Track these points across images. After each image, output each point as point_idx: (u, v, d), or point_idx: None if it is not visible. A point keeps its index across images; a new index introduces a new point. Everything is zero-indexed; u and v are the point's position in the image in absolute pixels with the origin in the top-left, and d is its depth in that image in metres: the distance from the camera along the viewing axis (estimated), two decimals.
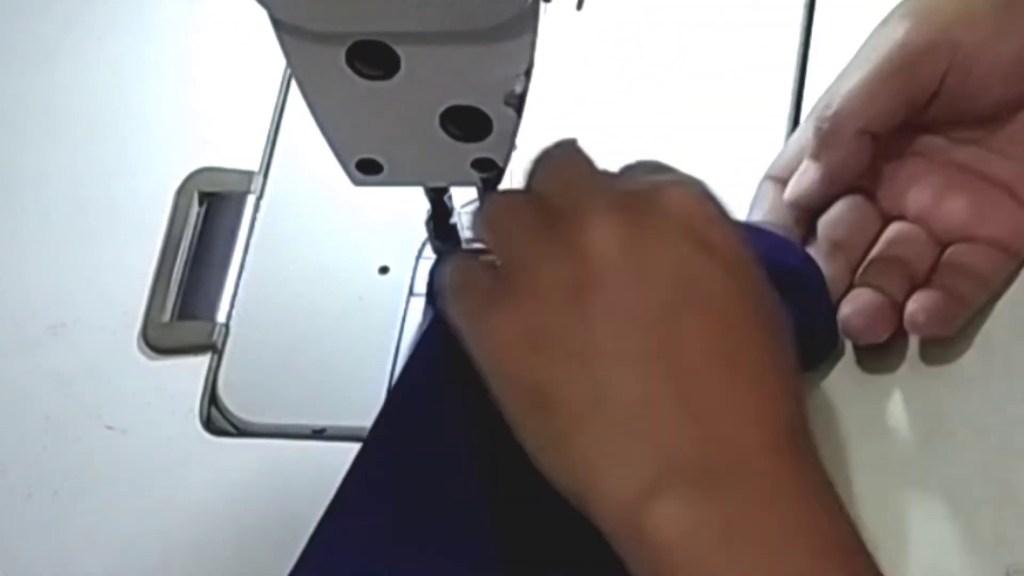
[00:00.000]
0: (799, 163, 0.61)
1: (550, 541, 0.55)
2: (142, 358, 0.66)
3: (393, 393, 0.59)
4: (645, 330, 0.47)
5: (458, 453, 0.56)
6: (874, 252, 0.60)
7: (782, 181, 0.62)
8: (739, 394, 0.47)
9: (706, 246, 0.48)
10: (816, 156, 0.60)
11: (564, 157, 0.52)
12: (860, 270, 0.60)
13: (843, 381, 0.59)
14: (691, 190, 0.50)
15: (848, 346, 0.60)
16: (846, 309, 0.59)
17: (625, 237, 0.48)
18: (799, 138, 0.62)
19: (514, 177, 0.57)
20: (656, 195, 0.49)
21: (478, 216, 0.54)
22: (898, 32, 0.59)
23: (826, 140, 0.60)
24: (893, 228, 0.61)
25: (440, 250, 0.64)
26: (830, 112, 0.60)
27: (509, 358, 0.49)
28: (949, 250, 0.60)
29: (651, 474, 0.46)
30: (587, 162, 0.52)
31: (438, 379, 0.57)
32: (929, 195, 0.61)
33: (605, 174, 0.52)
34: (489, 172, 0.55)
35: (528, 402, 0.49)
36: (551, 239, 0.49)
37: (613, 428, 0.47)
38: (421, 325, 0.64)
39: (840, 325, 0.59)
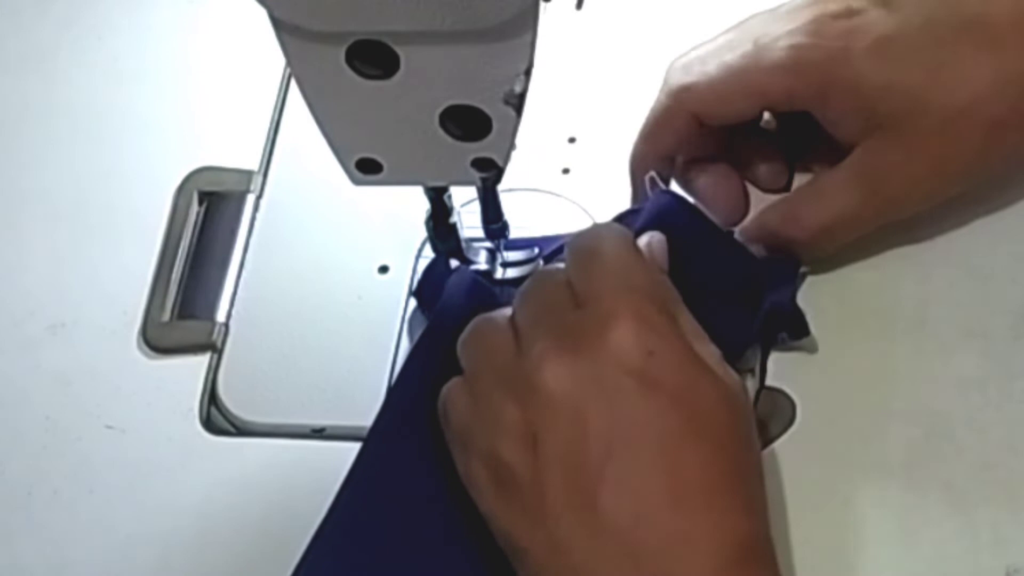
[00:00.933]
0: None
1: None
2: (142, 357, 0.66)
3: (386, 407, 0.60)
4: (590, 477, 0.49)
5: (446, 477, 0.57)
6: None
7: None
8: (684, 528, 0.49)
9: (650, 383, 0.50)
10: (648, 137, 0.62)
11: (540, 279, 0.55)
12: None
13: (843, 381, 0.59)
14: (635, 322, 0.51)
15: (849, 346, 0.60)
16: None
17: (571, 378, 0.51)
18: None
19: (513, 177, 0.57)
20: (603, 333, 0.51)
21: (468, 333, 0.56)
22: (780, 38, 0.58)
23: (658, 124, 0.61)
24: None
25: (439, 250, 0.64)
26: (680, 86, 0.59)
27: (487, 503, 0.53)
28: None
29: None
30: (559, 283, 0.54)
31: (431, 396, 0.58)
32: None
33: (567, 295, 0.54)
34: (489, 171, 0.55)
35: (505, 544, 0.53)
36: (514, 375, 0.52)
37: (570, 574, 0.50)
38: (410, 323, 0.64)
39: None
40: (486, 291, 0.62)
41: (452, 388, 0.55)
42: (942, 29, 0.56)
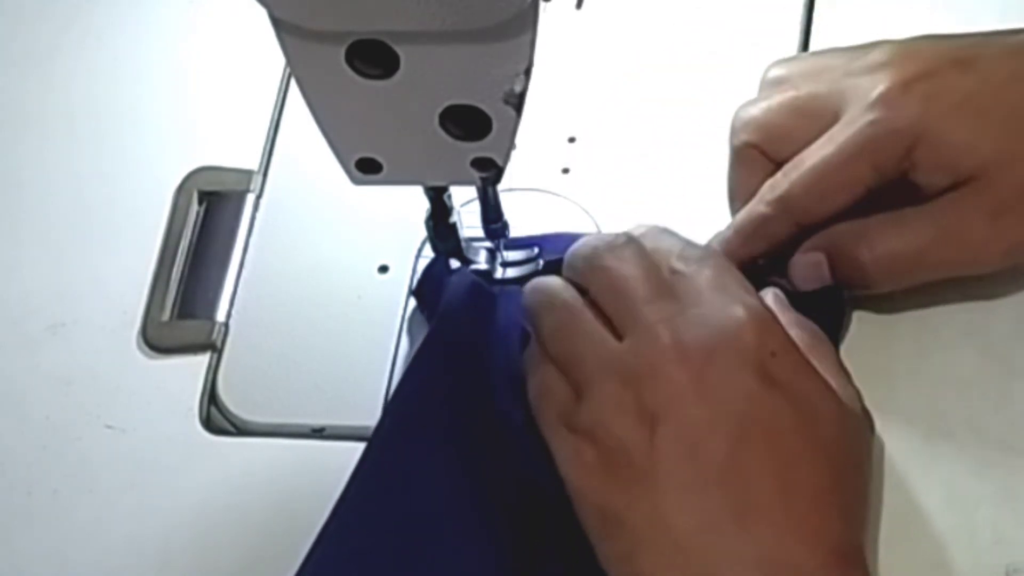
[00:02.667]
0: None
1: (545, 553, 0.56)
2: (142, 357, 0.66)
3: (391, 411, 0.59)
4: (708, 461, 0.51)
5: (451, 479, 0.57)
6: None
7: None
8: (795, 521, 0.51)
9: (771, 381, 0.52)
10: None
11: (617, 265, 0.56)
12: None
13: None
14: (757, 323, 0.53)
15: (849, 346, 0.60)
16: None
17: (695, 372, 0.52)
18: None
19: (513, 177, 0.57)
20: (725, 329, 0.53)
21: (539, 321, 0.57)
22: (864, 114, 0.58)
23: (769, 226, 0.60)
24: None
25: (440, 250, 0.64)
26: (778, 197, 0.59)
27: (585, 479, 0.53)
28: None
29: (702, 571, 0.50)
30: (642, 270, 0.56)
31: (435, 399, 0.58)
32: None
33: (660, 285, 0.55)
34: (489, 171, 0.55)
35: (598, 520, 0.53)
36: (626, 361, 0.53)
37: (673, 550, 0.51)
38: (410, 323, 0.64)
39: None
40: (487, 293, 0.62)
41: (546, 376, 0.56)
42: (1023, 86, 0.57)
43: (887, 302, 0.61)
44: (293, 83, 0.54)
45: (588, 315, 0.56)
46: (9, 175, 0.72)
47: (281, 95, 0.71)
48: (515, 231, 0.64)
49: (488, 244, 0.64)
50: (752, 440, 0.52)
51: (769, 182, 0.60)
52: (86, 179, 0.71)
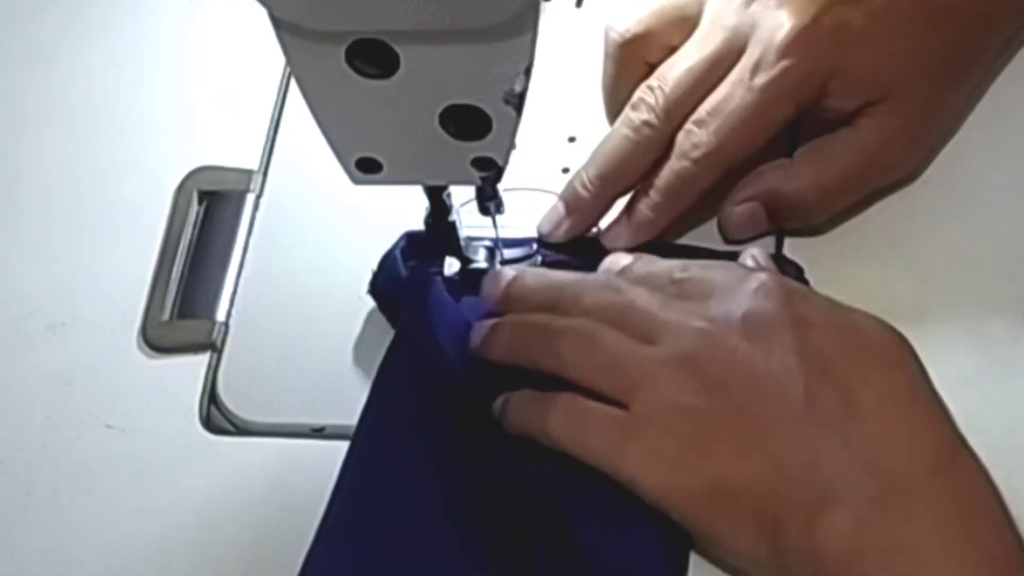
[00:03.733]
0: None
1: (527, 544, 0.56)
2: (142, 357, 0.66)
3: (368, 418, 0.60)
4: (792, 405, 0.53)
5: (433, 474, 0.57)
6: None
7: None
8: (893, 428, 0.53)
9: (810, 324, 0.54)
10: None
11: (619, 296, 0.58)
12: None
13: None
14: (773, 283, 0.56)
15: None
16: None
17: (742, 344, 0.54)
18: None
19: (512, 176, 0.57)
20: (748, 299, 0.55)
21: (550, 352, 0.58)
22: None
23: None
24: None
25: (439, 248, 0.64)
26: (706, 152, 0.61)
27: (677, 473, 0.54)
28: None
29: (821, 493, 0.51)
30: (647, 290, 0.58)
31: (410, 401, 0.59)
32: None
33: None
34: (489, 171, 0.55)
35: (709, 502, 0.54)
36: (672, 356, 0.55)
37: (792, 487, 0.52)
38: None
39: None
40: (446, 298, 0.62)
41: (575, 405, 0.56)
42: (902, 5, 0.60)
43: (887, 302, 0.61)
44: (293, 83, 0.54)
45: (607, 329, 0.57)
46: (9, 175, 0.72)
47: (281, 95, 0.71)
48: (515, 231, 0.64)
49: (487, 242, 0.64)
50: (821, 373, 0.53)
51: (682, 135, 0.61)
52: (86, 179, 0.71)
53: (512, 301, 0.60)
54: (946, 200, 0.63)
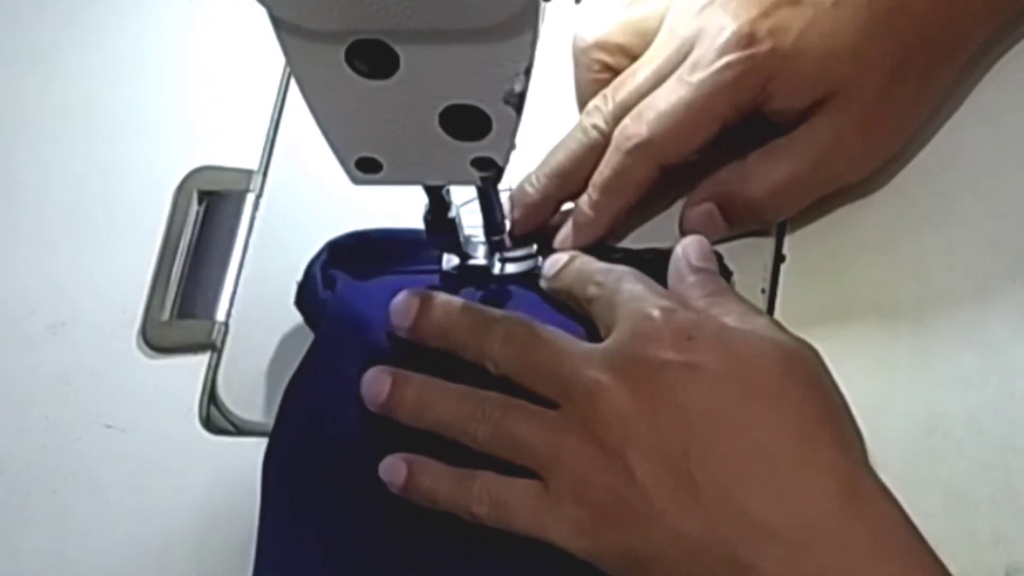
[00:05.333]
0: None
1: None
2: (141, 357, 0.66)
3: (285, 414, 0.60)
4: (682, 462, 0.53)
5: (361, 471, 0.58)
6: None
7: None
8: (801, 469, 0.53)
9: (696, 367, 0.54)
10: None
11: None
12: None
13: (844, 381, 0.59)
14: (663, 323, 0.56)
15: (848, 345, 0.60)
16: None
17: (633, 394, 0.55)
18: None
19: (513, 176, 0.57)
20: (637, 345, 0.56)
21: (466, 430, 0.58)
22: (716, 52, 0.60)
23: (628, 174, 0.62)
24: None
25: (439, 247, 0.64)
26: (637, 144, 0.61)
27: (588, 539, 0.55)
28: None
29: (731, 560, 0.52)
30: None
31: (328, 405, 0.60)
32: None
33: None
34: (489, 171, 0.55)
35: (624, 569, 0.54)
36: (567, 424, 0.56)
37: (693, 554, 0.53)
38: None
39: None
40: (368, 316, 0.63)
41: (491, 487, 0.57)
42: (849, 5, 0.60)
43: (887, 301, 0.61)
44: (293, 83, 0.54)
45: (518, 402, 0.57)
46: (9, 174, 0.72)
47: (281, 95, 0.71)
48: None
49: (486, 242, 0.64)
50: (709, 433, 0.54)
51: (618, 130, 0.62)
52: (86, 178, 0.71)
53: (422, 334, 0.60)
54: (946, 200, 0.63)
